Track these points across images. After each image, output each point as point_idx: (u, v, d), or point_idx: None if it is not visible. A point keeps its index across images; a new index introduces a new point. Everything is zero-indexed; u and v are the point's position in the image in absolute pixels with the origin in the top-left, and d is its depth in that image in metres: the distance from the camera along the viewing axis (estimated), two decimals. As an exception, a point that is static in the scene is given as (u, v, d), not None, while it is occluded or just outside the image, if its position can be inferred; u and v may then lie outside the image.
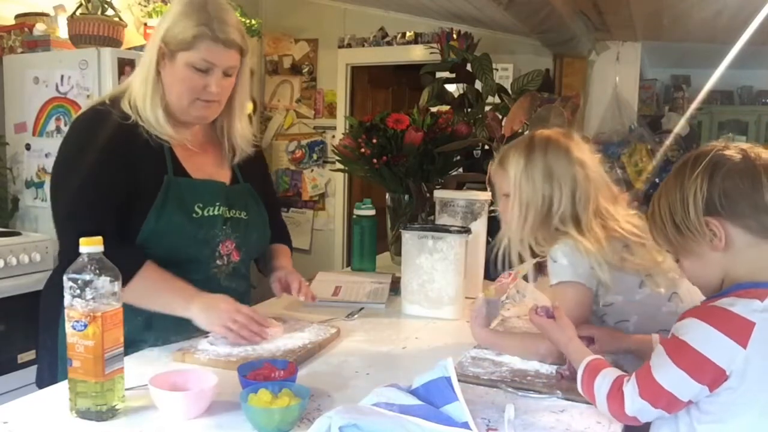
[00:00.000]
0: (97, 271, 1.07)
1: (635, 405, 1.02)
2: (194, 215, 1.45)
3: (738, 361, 0.96)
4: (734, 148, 1.05)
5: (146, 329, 1.43)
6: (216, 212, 1.48)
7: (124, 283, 1.31)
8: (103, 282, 1.07)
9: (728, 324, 0.97)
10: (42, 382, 1.45)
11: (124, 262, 1.24)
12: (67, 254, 1.40)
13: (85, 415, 1.07)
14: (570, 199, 1.32)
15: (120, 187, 1.40)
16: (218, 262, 1.51)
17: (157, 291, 1.39)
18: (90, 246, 1.08)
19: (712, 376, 0.97)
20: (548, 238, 1.35)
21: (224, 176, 1.57)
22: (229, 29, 1.41)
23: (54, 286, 1.52)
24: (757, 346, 0.96)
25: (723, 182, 1.02)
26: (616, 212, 1.38)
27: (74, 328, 1.06)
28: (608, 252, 1.30)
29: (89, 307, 1.05)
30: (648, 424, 1.09)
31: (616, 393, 1.05)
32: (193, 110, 1.46)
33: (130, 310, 1.38)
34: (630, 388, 1.03)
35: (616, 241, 1.34)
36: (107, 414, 1.08)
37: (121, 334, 1.10)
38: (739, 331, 0.96)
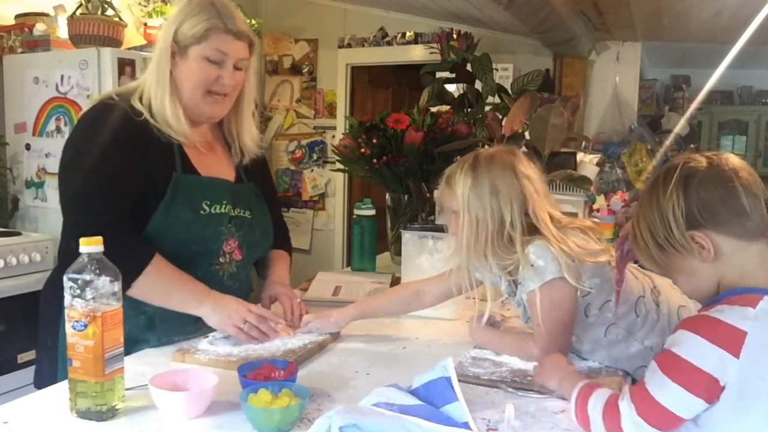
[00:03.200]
0: (97, 271, 1.07)
1: (631, 423, 0.99)
2: (202, 212, 1.46)
3: (731, 371, 0.94)
4: (699, 158, 1.05)
5: (148, 329, 1.43)
6: (222, 210, 1.50)
7: (134, 276, 1.32)
8: (103, 282, 1.07)
9: (719, 334, 0.95)
10: (41, 382, 1.45)
11: (135, 253, 1.24)
12: (76, 237, 1.40)
13: (85, 415, 1.07)
14: (521, 211, 1.34)
15: (134, 179, 1.40)
16: (221, 259, 1.51)
17: (169, 288, 1.40)
18: (90, 246, 1.08)
19: (707, 387, 0.95)
20: (507, 252, 1.36)
21: (229, 175, 1.58)
22: (238, 21, 1.46)
23: (53, 286, 1.51)
24: (750, 356, 0.94)
25: (698, 193, 1.01)
26: (563, 217, 1.42)
27: (74, 328, 1.06)
28: (571, 243, 1.33)
29: (89, 307, 1.05)
30: None
31: (611, 410, 1.02)
32: (205, 106, 1.48)
33: (132, 309, 1.38)
34: (626, 406, 1.00)
35: (574, 231, 1.37)
36: (107, 414, 1.08)
37: (121, 334, 1.10)
38: (731, 341, 0.95)
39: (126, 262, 1.19)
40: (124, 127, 1.42)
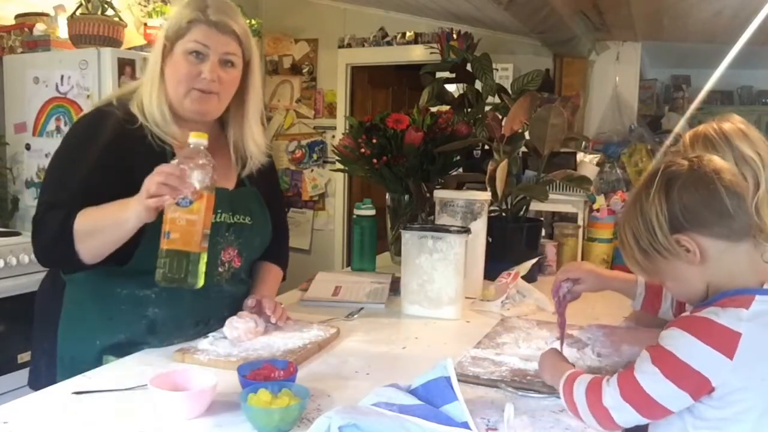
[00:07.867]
0: (208, 158, 1.23)
1: (614, 402, 1.01)
2: None
3: (724, 372, 0.95)
4: (681, 161, 1.06)
5: (149, 332, 1.41)
6: (219, 219, 1.45)
7: (73, 247, 1.30)
8: (209, 172, 1.22)
9: (713, 336, 0.96)
10: (38, 383, 1.43)
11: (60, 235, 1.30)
12: (40, 249, 1.38)
13: (171, 281, 1.21)
14: None
15: (111, 190, 1.33)
16: (220, 269, 1.48)
17: (101, 219, 1.30)
18: (200, 138, 1.24)
19: (696, 385, 0.96)
20: None
21: (229, 182, 1.53)
22: (224, 15, 1.40)
23: (50, 288, 1.51)
24: (744, 357, 0.95)
25: (680, 197, 1.02)
26: None
27: (179, 204, 1.20)
28: None
29: (198, 186, 1.20)
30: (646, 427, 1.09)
31: (594, 388, 1.04)
32: (189, 102, 1.42)
33: (133, 314, 1.39)
34: (611, 388, 1.02)
35: None
36: (190, 283, 1.22)
37: (210, 221, 1.25)
38: (725, 343, 0.95)
39: (57, 244, 1.31)
40: (114, 136, 1.38)
